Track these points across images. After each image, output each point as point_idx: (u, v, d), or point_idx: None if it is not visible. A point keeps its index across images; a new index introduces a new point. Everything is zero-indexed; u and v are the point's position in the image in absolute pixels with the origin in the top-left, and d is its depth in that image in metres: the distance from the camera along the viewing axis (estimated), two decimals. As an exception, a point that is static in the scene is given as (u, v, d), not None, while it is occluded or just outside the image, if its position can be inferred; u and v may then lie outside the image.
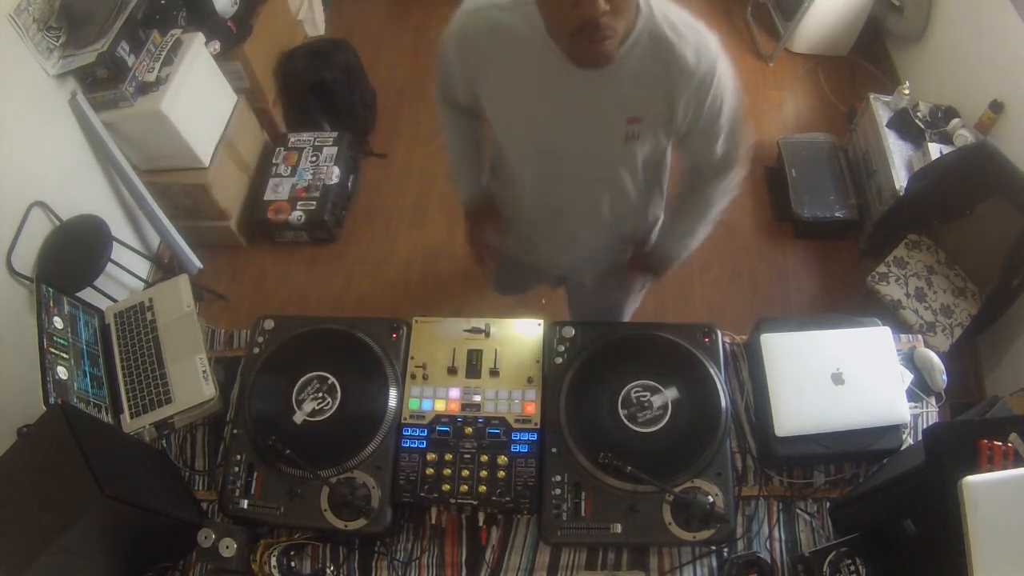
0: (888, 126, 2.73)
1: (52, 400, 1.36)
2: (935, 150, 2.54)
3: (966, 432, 1.03)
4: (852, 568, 1.18)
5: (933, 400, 1.43)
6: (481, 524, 1.30)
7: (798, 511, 1.33)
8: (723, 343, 1.41)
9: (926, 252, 2.48)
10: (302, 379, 1.38)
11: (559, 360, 1.39)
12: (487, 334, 1.42)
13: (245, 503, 1.30)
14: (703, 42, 1.18)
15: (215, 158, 2.80)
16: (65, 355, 1.46)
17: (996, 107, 2.51)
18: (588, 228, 1.52)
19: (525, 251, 1.68)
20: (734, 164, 1.40)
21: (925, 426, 1.40)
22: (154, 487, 1.32)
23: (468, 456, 1.30)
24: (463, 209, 1.64)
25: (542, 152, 1.36)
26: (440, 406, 1.36)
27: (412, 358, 1.41)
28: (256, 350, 1.45)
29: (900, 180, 2.57)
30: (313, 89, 3.19)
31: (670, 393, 1.31)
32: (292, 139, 3.19)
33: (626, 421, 1.30)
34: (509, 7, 1.19)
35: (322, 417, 1.35)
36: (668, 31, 1.15)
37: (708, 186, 1.44)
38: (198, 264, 2.79)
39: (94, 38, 2.38)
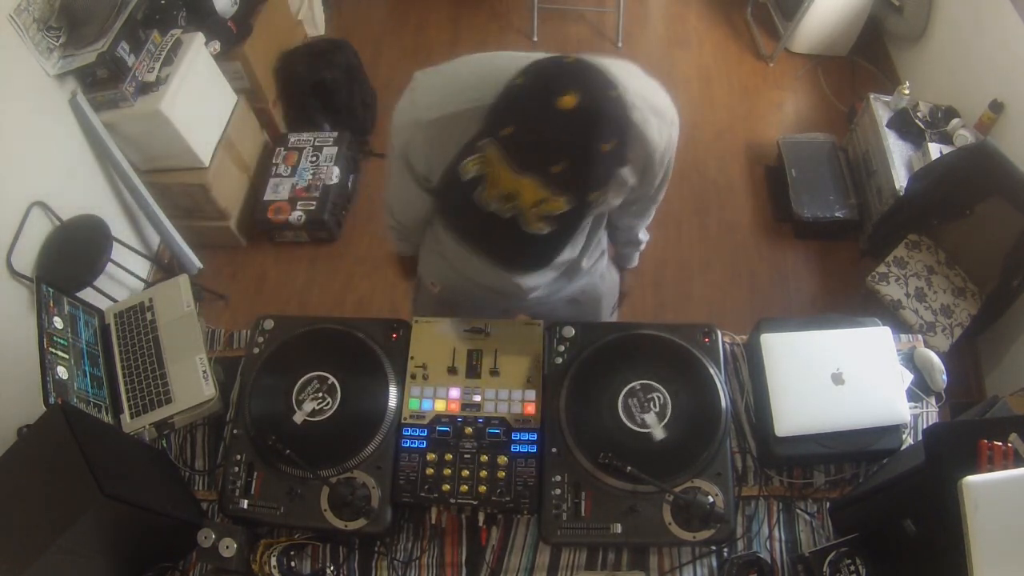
0: (888, 126, 2.73)
1: (52, 400, 1.36)
2: (935, 150, 2.54)
3: (966, 432, 1.03)
4: (852, 568, 1.18)
5: (933, 400, 1.42)
6: (481, 524, 1.30)
7: (798, 511, 1.33)
8: (723, 343, 1.41)
9: (926, 252, 2.49)
10: (302, 379, 1.38)
11: (559, 360, 1.39)
12: (487, 334, 1.42)
13: (245, 503, 1.30)
14: (660, 110, 1.14)
15: (215, 158, 2.80)
16: (65, 355, 1.46)
17: (996, 107, 2.51)
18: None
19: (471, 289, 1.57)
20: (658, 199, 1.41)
21: (925, 426, 1.40)
22: (154, 487, 1.32)
23: (468, 456, 1.30)
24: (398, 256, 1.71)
25: None
26: (440, 406, 1.35)
27: (412, 358, 1.41)
28: (256, 350, 1.45)
29: (900, 180, 2.57)
30: (313, 89, 3.19)
31: (670, 393, 1.31)
32: (292, 139, 3.19)
33: (626, 421, 1.30)
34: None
35: (322, 417, 1.35)
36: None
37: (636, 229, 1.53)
38: (198, 264, 2.79)
39: (94, 38, 2.38)
